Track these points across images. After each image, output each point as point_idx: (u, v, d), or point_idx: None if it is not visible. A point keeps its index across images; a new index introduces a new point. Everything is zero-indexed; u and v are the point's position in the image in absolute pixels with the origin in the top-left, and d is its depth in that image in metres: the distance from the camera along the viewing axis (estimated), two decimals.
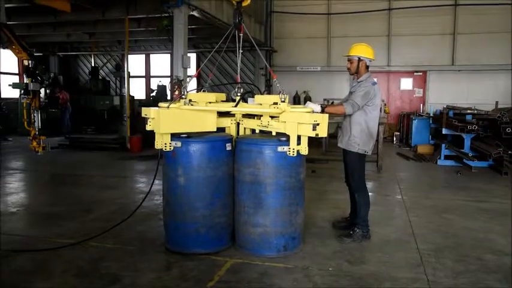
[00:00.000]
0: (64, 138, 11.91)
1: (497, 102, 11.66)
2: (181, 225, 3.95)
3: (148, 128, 3.90)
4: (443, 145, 9.48)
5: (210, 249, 3.97)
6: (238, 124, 4.37)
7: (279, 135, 3.96)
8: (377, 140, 8.42)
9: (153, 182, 4.44)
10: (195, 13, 9.43)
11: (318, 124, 3.66)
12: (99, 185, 7.09)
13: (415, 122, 11.89)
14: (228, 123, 4.35)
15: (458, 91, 13.85)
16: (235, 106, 4.15)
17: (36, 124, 8.70)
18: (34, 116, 8.70)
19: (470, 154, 8.64)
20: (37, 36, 14.77)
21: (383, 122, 8.58)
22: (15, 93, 13.74)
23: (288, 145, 3.77)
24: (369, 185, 7.09)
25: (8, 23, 8.10)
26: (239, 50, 4.60)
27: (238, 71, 5.06)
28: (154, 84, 15.96)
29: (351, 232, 4.38)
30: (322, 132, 3.72)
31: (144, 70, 17.94)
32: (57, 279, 3.45)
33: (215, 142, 3.95)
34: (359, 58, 4.33)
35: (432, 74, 14.37)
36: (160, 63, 17.74)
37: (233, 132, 4.34)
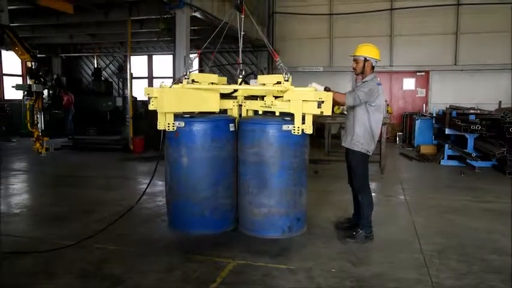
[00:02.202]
0: (67, 140, 11.95)
1: (500, 102, 11.62)
2: (185, 207, 3.92)
3: (150, 107, 3.85)
4: (446, 145, 9.45)
5: (214, 231, 3.97)
6: (240, 107, 4.34)
7: (283, 116, 3.93)
8: (380, 141, 8.41)
9: (151, 181, 4.43)
10: (197, 14, 9.43)
11: (322, 102, 3.64)
12: (102, 186, 7.10)
13: (417, 122, 11.85)
14: (230, 105, 4.32)
15: (461, 91, 13.80)
16: (237, 89, 4.15)
17: (39, 125, 8.73)
18: (37, 117, 8.72)
19: (474, 154, 8.61)
20: (40, 38, 14.81)
21: (385, 122, 8.55)
22: (18, 95, 13.80)
23: (293, 124, 3.73)
24: (372, 185, 7.03)
25: (11, 24, 8.11)
26: (240, 32, 4.54)
27: (240, 53, 4.93)
28: (156, 85, 15.92)
29: (354, 233, 4.37)
30: (327, 110, 3.70)
31: (147, 71, 17.98)
32: (60, 280, 3.46)
33: (218, 122, 3.94)
34: (365, 58, 4.32)
35: (435, 74, 14.33)
36: (163, 64, 17.78)
37: (235, 114, 4.32)
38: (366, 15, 14.13)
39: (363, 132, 4.28)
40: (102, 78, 17.16)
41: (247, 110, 4.36)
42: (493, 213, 5.55)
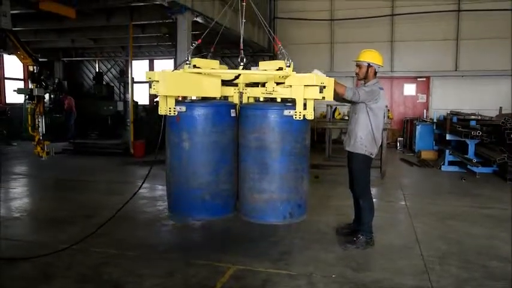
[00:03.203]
0: (68, 143, 11.95)
1: (501, 108, 11.61)
2: (186, 192, 3.92)
3: (152, 91, 3.83)
4: (447, 151, 9.44)
5: (214, 216, 3.98)
6: (241, 94, 4.32)
7: (284, 102, 3.93)
8: (381, 146, 8.42)
9: (143, 182, 4.42)
10: (198, 19, 9.46)
11: (324, 87, 3.63)
12: (103, 190, 7.10)
13: (418, 128, 11.85)
14: (231, 92, 4.31)
15: (461, 96, 13.80)
16: (238, 76, 4.13)
17: (40, 129, 8.73)
18: (38, 121, 8.72)
19: (475, 160, 8.60)
20: (42, 42, 14.87)
21: (386, 127, 8.56)
22: (20, 99, 13.82)
23: (294, 109, 3.72)
24: (373, 191, 7.01)
25: (13, 29, 8.14)
26: (242, 17, 4.52)
27: (241, 39, 4.88)
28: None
29: (355, 239, 4.36)
30: (329, 95, 3.71)
31: None
32: (59, 285, 3.45)
33: (220, 107, 3.96)
34: (369, 64, 4.35)
35: (435, 80, 14.33)
36: (164, 68, 17.79)
37: (236, 102, 4.31)
38: (367, 21, 14.16)
39: (366, 135, 4.30)
40: (104, 83, 17.19)
41: (248, 98, 4.33)
42: (494, 219, 5.53)
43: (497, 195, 6.99)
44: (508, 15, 12.92)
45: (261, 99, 4.24)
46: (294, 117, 3.72)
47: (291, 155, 3.81)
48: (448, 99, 13.94)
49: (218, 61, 4.31)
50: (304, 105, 3.74)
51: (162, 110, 3.84)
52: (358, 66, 4.42)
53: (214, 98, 4.13)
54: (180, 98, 4.03)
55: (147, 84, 18.86)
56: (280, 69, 3.84)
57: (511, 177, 7.95)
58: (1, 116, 13.70)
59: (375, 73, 4.40)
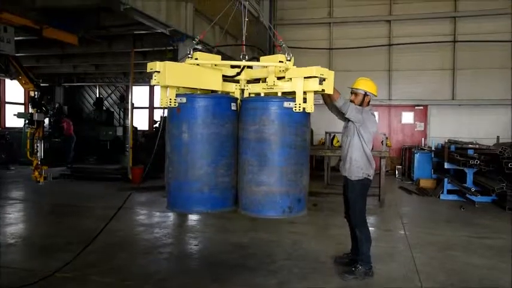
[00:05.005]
0: (66, 168, 11.92)
1: (498, 137, 11.69)
2: (184, 184, 3.89)
3: (153, 82, 3.81)
4: (445, 179, 9.43)
5: (213, 209, 3.95)
6: (242, 91, 4.32)
7: (286, 96, 3.92)
8: (379, 174, 8.43)
9: (121, 207, 4.36)
10: (199, 47, 9.61)
11: (324, 79, 3.63)
12: (100, 216, 7.02)
13: (417, 156, 11.87)
14: (232, 88, 4.32)
15: (459, 125, 13.90)
16: (240, 72, 4.14)
17: (39, 154, 8.74)
18: (37, 146, 8.74)
19: (473, 189, 8.58)
20: (44, 68, 15.03)
21: (385, 155, 8.58)
22: (19, 123, 13.86)
23: (294, 101, 3.72)
24: (371, 219, 7.03)
25: (16, 54, 8.26)
26: (244, 17, 4.55)
27: (244, 31, 4.83)
28: (157, 116, 16.08)
29: (353, 269, 4.30)
30: (329, 88, 3.70)
31: (148, 101, 18.15)
32: None
33: (220, 99, 3.99)
34: (365, 93, 4.41)
35: (433, 108, 14.46)
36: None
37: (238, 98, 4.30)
38: (365, 50, 14.41)
39: (360, 157, 4.31)
40: (104, 108, 17.31)
41: (249, 94, 4.33)
42: (494, 249, 5.48)
43: (497, 224, 6.95)
44: (503, 46, 13.17)
45: (262, 94, 4.20)
46: (293, 109, 3.72)
47: (290, 148, 3.78)
48: (445, 127, 14.04)
49: (220, 56, 4.34)
50: (305, 99, 3.74)
51: (162, 102, 3.88)
52: (354, 93, 4.47)
53: (216, 92, 4.17)
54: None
55: (147, 109, 18.98)
56: (281, 62, 3.86)
57: (510, 206, 7.92)
58: (0, 140, 13.72)
59: (369, 102, 4.47)
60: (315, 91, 3.70)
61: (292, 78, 3.76)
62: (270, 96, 4.02)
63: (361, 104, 4.42)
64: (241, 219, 6.07)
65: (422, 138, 14.35)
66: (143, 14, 7.23)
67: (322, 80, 3.62)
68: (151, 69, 3.84)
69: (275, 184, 3.78)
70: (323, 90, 3.65)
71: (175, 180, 3.98)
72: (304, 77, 3.67)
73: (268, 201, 3.83)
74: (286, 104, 3.74)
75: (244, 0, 4.59)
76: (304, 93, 3.74)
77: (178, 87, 3.92)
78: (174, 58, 9.35)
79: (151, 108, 18.13)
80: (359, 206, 4.39)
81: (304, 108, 3.73)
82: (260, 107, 3.84)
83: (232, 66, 4.34)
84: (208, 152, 3.86)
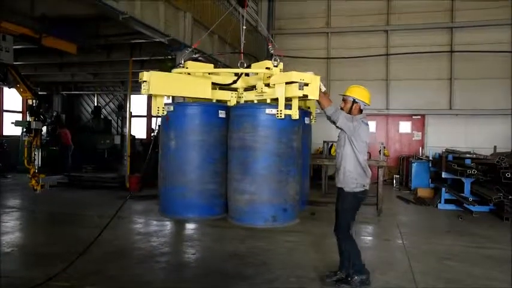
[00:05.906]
0: (63, 176, 11.87)
1: (495, 147, 11.72)
2: (170, 190, 3.95)
3: (143, 91, 3.82)
4: (443, 189, 9.43)
5: (200, 216, 4.00)
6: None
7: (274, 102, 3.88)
8: (377, 183, 8.42)
9: (114, 216, 4.39)
10: (197, 56, 9.66)
11: (306, 84, 3.51)
12: (97, 224, 6.97)
13: (414, 165, 11.89)
14: (228, 96, 4.34)
15: (456, 135, 13.94)
16: (237, 80, 4.16)
17: (36, 162, 8.71)
18: (34, 154, 8.72)
19: (471, 198, 8.57)
20: (42, 76, 15.05)
21: (383, 165, 8.59)
22: (16, 131, 13.84)
23: (277, 108, 3.67)
24: (369, 228, 7.02)
25: (15, 63, 8.28)
26: (242, 25, 4.60)
27: (242, 39, 4.89)
28: (155, 124, 16.04)
29: (349, 279, 4.24)
30: (312, 93, 3.60)
31: (146, 110, 18.16)
32: None
33: (207, 107, 4.04)
34: (354, 100, 4.30)
35: (430, 118, 14.51)
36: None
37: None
38: (363, 60, 14.49)
39: (354, 167, 4.19)
40: (102, 116, 17.32)
41: (244, 101, 4.32)
42: (492, 259, 5.47)
43: (495, 234, 6.94)
44: (499, 57, 13.26)
45: (255, 101, 4.18)
46: (276, 116, 3.67)
47: (273, 156, 3.73)
48: (443, 137, 14.07)
49: (212, 65, 4.37)
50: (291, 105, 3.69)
51: (154, 110, 3.95)
52: (344, 100, 4.38)
53: (211, 101, 4.20)
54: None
55: (145, 118, 19.00)
56: (267, 69, 3.83)
57: (508, 216, 7.92)
58: None
59: (360, 110, 4.34)
60: (298, 97, 3.61)
61: (275, 84, 3.73)
62: (257, 103, 4.00)
63: (349, 112, 4.29)
64: (237, 228, 6.04)
65: (420, 148, 14.38)
66: (142, 23, 7.28)
67: (302, 85, 3.51)
68: (140, 79, 3.89)
69: (256, 192, 3.76)
70: (305, 95, 3.55)
71: (163, 186, 4.05)
72: (286, 83, 3.61)
73: (251, 210, 3.82)
74: (268, 111, 3.72)
75: (242, 10, 4.64)
76: (291, 99, 3.69)
77: (170, 96, 3.99)
78: (174, 67, 9.42)
79: (149, 116, 18.13)
80: (346, 219, 4.25)
81: (290, 116, 3.68)
82: (244, 114, 3.87)
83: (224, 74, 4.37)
84: (193, 158, 3.91)
